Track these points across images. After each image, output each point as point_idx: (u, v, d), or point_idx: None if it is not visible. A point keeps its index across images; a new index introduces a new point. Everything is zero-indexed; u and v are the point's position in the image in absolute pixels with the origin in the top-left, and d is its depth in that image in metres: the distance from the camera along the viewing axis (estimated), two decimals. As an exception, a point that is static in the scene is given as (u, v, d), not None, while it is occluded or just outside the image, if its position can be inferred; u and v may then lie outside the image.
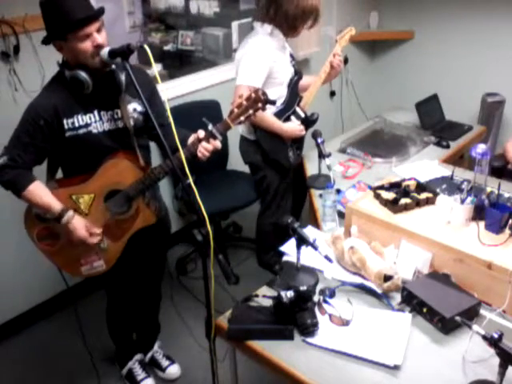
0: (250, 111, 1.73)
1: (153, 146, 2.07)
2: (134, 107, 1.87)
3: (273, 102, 1.76)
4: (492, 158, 3.20)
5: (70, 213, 1.82)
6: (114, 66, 1.77)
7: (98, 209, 1.88)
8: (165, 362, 2.52)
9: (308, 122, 2.62)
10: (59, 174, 1.98)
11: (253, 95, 1.72)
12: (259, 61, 2.40)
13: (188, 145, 1.80)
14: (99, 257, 1.95)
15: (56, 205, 1.81)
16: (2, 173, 1.77)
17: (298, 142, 2.69)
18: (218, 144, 1.78)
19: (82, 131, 1.80)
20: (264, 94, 1.72)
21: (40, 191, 1.81)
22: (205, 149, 1.77)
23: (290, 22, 2.41)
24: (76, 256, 1.94)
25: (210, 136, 1.77)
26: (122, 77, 1.78)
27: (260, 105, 1.72)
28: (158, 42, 4.07)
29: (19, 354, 2.68)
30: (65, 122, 1.77)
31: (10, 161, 1.76)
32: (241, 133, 2.71)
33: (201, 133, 1.78)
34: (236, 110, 1.74)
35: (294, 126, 2.57)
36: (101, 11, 1.72)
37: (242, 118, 1.74)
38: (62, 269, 1.98)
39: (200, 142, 1.77)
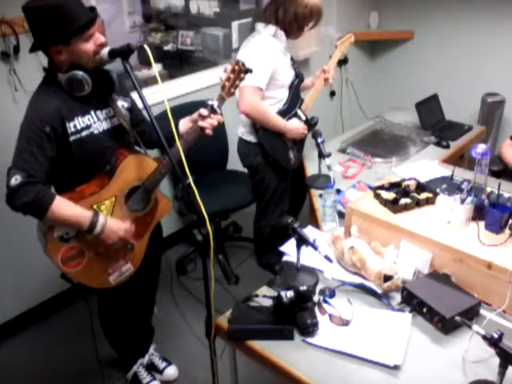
0: (237, 82, 1.84)
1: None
2: (121, 104, 1.90)
3: (250, 71, 1.86)
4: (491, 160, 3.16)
5: (102, 217, 1.73)
6: (105, 66, 1.76)
7: (121, 211, 1.85)
8: (162, 364, 2.50)
9: (308, 125, 2.63)
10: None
11: (236, 67, 1.82)
12: (263, 60, 2.39)
13: (183, 133, 1.86)
14: (126, 260, 1.92)
15: (87, 212, 1.70)
16: (20, 194, 1.57)
17: (298, 144, 2.69)
18: (220, 118, 1.88)
19: (84, 133, 1.76)
20: (243, 64, 1.83)
21: (65, 204, 1.67)
22: (210, 124, 1.85)
23: (299, 22, 2.44)
24: (103, 267, 1.87)
25: (211, 112, 1.85)
26: (114, 75, 1.80)
27: (242, 75, 1.83)
28: (158, 41, 4.07)
29: (22, 354, 2.67)
30: (67, 125, 1.71)
31: (28, 177, 1.58)
32: (239, 135, 2.69)
33: (203, 111, 1.84)
34: (227, 84, 1.83)
35: (297, 125, 2.58)
36: (95, 12, 1.72)
37: (232, 90, 1.85)
38: (90, 286, 1.88)
39: (204, 119, 1.84)
